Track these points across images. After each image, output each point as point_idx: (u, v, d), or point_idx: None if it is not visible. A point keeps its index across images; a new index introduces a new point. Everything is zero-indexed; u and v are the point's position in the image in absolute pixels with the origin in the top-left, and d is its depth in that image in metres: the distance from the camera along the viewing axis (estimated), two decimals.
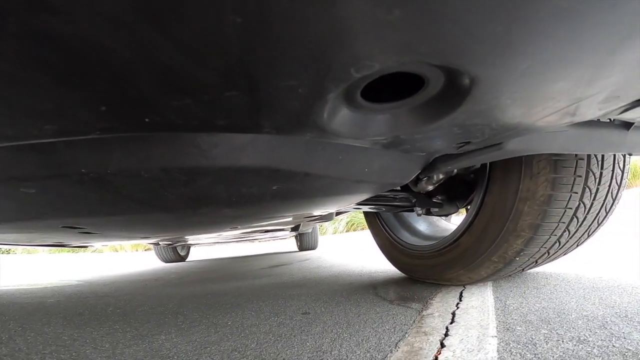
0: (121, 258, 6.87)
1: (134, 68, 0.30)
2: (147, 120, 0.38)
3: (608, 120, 0.70)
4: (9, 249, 9.39)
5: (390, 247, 1.59)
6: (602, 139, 0.67)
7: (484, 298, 1.10)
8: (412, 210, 1.44)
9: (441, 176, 1.21)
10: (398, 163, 0.62)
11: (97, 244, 1.66)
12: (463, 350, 0.70)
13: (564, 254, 1.14)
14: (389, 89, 0.41)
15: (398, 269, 1.62)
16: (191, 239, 2.16)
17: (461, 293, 1.18)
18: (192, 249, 5.38)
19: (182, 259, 4.61)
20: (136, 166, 0.45)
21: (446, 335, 0.81)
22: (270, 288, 1.67)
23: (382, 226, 1.64)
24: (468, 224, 1.12)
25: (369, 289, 1.44)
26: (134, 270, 3.45)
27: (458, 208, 1.35)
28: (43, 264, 5.47)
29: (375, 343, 0.79)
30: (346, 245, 5.07)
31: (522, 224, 0.96)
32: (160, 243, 2.75)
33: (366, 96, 0.40)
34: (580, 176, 0.91)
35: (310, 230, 4.27)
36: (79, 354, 0.75)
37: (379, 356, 0.71)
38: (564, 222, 0.96)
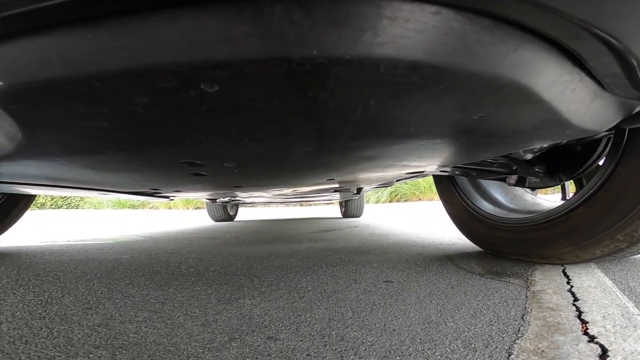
0: (175, 215, 7.23)
1: None
2: None
3: None
4: (78, 204, 10.22)
5: (467, 217, 1.44)
6: None
7: (597, 279, 0.95)
8: (502, 179, 1.27)
9: (545, 145, 1.02)
10: (612, 107, 0.46)
11: (195, 194, 1.60)
12: (614, 326, 0.63)
13: None
14: None
15: (473, 241, 1.48)
16: (252, 197, 2.11)
17: (564, 272, 1.04)
18: (239, 209, 5.49)
19: (231, 218, 4.72)
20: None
21: (580, 312, 0.72)
22: (332, 253, 1.60)
23: (457, 194, 1.48)
24: (586, 197, 0.94)
25: (445, 260, 1.32)
26: (190, 227, 3.55)
27: (560, 181, 1.16)
28: (108, 219, 5.87)
29: (493, 316, 0.72)
30: (392, 215, 4.96)
31: None
32: (217, 200, 2.76)
33: None
34: None
35: (356, 197, 4.17)
36: (173, 322, 0.69)
37: (510, 329, 0.65)
38: None
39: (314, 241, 2.13)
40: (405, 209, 6.37)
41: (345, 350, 0.58)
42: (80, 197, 10.90)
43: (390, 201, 8.83)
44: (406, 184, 7.73)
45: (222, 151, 0.49)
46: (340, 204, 4.91)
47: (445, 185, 1.57)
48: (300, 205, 9.12)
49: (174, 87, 0.29)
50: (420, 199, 8.52)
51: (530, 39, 0.32)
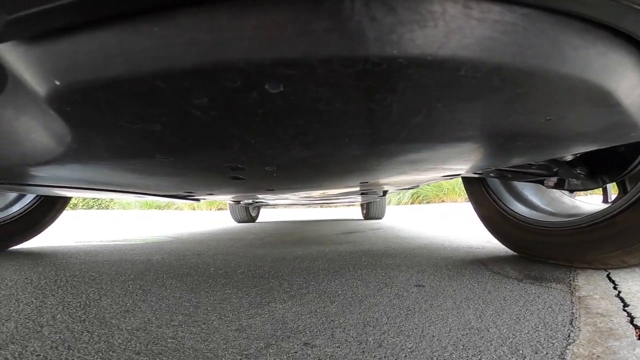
0: (199, 215, 7.36)
1: None
2: None
3: None
4: (108, 204, 10.58)
5: (500, 220, 1.38)
6: None
7: None
8: (539, 182, 1.22)
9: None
10: None
11: (225, 197, 1.60)
12: None
13: None
14: None
15: (507, 245, 1.42)
16: (277, 200, 2.11)
17: (609, 277, 0.98)
18: (261, 210, 5.53)
19: (253, 219, 4.75)
20: None
21: (631, 317, 0.70)
22: (358, 255, 1.58)
23: (489, 196, 1.43)
24: (634, 200, 0.88)
25: (478, 264, 1.27)
26: (214, 228, 3.61)
27: (603, 183, 1.10)
28: (136, 219, 6.03)
29: (539, 322, 0.70)
30: (415, 218, 4.87)
31: None
32: (241, 202, 2.77)
33: None
34: None
35: (379, 199, 4.12)
36: (208, 326, 0.69)
37: (559, 335, 0.63)
38: None
39: (338, 243, 2.11)
40: (428, 210, 6.25)
41: (384, 357, 0.56)
42: (111, 198, 11.29)
43: (412, 203, 8.66)
44: (429, 185, 7.58)
45: (267, 155, 0.48)
46: (362, 205, 4.87)
47: (476, 188, 1.51)
48: (321, 206, 9.11)
49: (237, 87, 0.27)
50: (443, 201, 8.34)
51: (619, 42, 0.30)
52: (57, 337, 0.63)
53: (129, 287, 1.02)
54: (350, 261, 1.43)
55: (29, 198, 1.69)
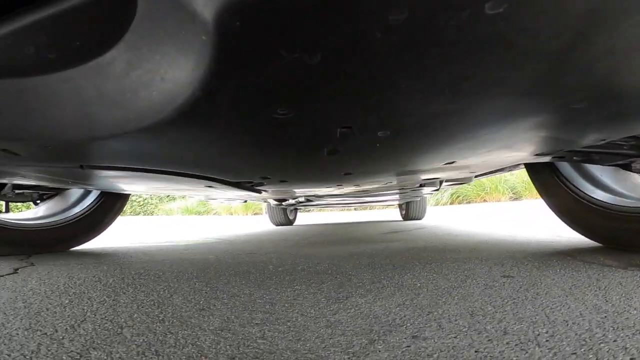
0: (236, 220, 7.47)
1: None
2: None
3: None
4: (153, 211, 11.04)
5: (580, 210, 1.25)
6: None
7: None
8: (625, 165, 1.08)
9: None
10: None
11: (289, 188, 1.57)
12: None
13: None
14: None
15: (589, 236, 1.28)
16: (319, 200, 2.05)
17: None
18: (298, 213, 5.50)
19: (291, 222, 4.72)
20: None
21: None
22: (416, 251, 1.49)
23: (564, 185, 1.30)
24: None
25: (562, 256, 1.15)
26: (256, 231, 3.61)
27: None
28: (180, 224, 6.19)
29: None
30: (458, 217, 4.66)
31: None
32: (283, 203, 2.73)
33: None
34: None
35: (419, 199, 3.97)
36: (294, 323, 0.64)
37: None
38: None
39: (388, 241, 2.02)
40: (470, 210, 5.98)
41: (521, 343, 0.49)
42: (155, 205, 11.76)
43: (452, 203, 8.30)
44: (469, 185, 7.28)
45: (404, 107, 0.41)
46: (400, 206, 4.73)
47: (546, 177, 1.38)
48: (355, 209, 8.99)
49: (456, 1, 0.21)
50: (485, 200, 7.93)
51: None
52: (141, 340, 0.57)
53: (195, 284, 0.99)
54: (411, 256, 1.35)
55: (89, 200, 1.74)
